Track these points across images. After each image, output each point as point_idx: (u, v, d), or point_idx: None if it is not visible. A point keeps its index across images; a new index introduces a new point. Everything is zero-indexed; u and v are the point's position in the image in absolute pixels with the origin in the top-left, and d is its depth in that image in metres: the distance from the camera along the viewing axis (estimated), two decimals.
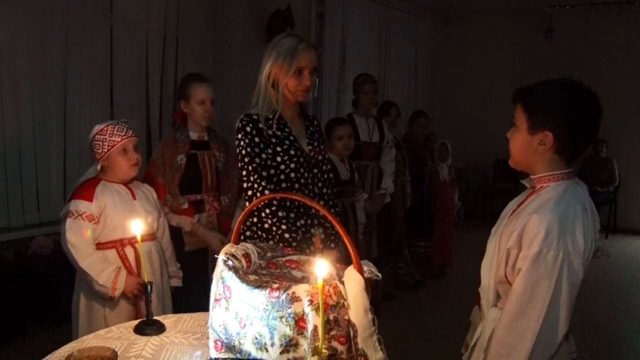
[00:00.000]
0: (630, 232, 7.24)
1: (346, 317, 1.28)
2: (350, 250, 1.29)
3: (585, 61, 7.27)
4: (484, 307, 1.60)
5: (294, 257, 1.58)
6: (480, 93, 7.97)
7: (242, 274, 1.40)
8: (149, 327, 1.62)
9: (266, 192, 1.95)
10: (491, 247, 1.59)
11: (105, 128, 2.24)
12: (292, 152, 2.03)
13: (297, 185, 2.03)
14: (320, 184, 2.15)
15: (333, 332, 1.28)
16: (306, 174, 2.07)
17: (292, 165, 2.02)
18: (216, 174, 2.91)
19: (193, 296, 2.06)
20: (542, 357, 1.42)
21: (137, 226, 1.70)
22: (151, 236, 2.36)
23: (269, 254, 1.57)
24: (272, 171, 2.01)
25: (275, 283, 1.34)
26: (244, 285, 1.35)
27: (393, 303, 4.46)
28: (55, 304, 2.38)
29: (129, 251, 2.26)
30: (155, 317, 1.70)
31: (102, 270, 2.16)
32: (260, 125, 2.01)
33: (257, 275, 1.46)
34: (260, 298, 1.32)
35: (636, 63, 7.12)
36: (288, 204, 2.01)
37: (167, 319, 1.72)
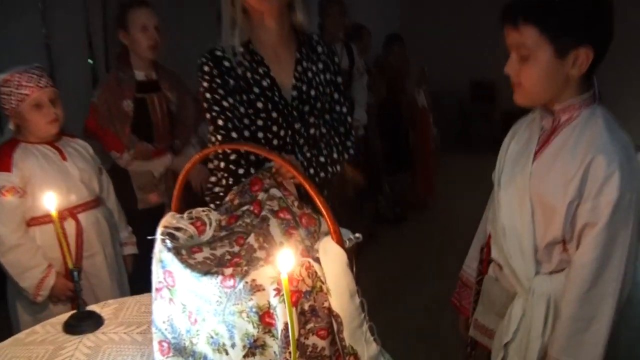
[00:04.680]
0: None
1: (326, 304, 0.97)
2: (326, 217, 0.97)
3: None
4: (519, 278, 1.26)
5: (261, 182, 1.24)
6: (452, 12, 7.49)
7: (186, 255, 1.07)
8: (81, 322, 1.30)
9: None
10: (514, 199, 1.26)
11: (11, 78, 1.81)
12: (259, 104, 1.53)
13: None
14: (306, 148, 1.61)
15: (310, 325, 0.98)
16: (282, 132, 1.57)
17: (260, 122, 1.55)
18: (169, 119, 2.54)
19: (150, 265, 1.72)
20: (617, 319, 1.17)
21: (51, 200, 1.35)
22: (95, 202, 2.00)
23: (236, 202, 1.24)
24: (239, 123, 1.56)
25: (228, 268, 1.02)
26: (189, 271, 1.02)
27: (374, 241, 4.21)
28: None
29: (70, 225, 1.90)
30: (91, 307, 1.38)
31: (26, 270, 1.81)
32: (227, 64, 1.53)
33: (214, 242, 1.13)
34: (210, 288, 1.00)
35: None
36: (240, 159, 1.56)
37: (106, 308, 1.39)
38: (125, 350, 1.20)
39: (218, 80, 1.52)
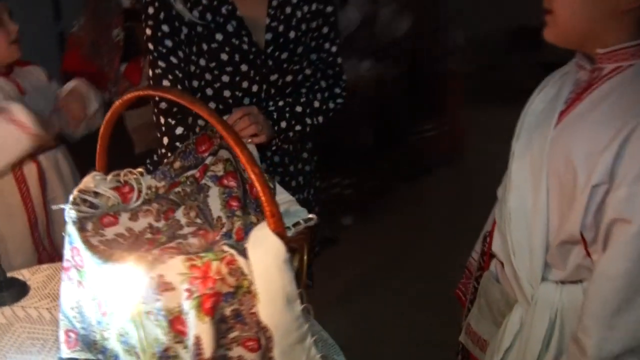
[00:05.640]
0: None
1: (254, 309, 0.75)
2: (260, 192, 0.72)
3: None
4: (520, 281, 0.98)
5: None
6: None
7: (91, 231, 0.85)
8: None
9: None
10: (527, 175, 0.97)
11: None
12: (224, 56, 1.25)
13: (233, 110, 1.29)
14: (278, 96, 1.33)
15: (234, 334, 0.75)
16: (255, 87, 1.29)
17: (226, 78, 1.27)
18: None
19: None
20: None
21: None
22: (55, 141, 1.78)
23: (177, 164, 1.01)
24: (196, 83, 1.28)
25: (131, 255, 0.79)
26: (90, 254, 0.81)
27: (389, 195, 3.93)
28: None
29: (29, 169, 1.67)
30: (21, 272, 1.19)
31: None
32: (179, 5, 1.23)
33: (147, 206, 0.92)
34: (113, 278, 0.79)
35: None
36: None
37: (37, 274, 1.20)
38: (38, 331, 1.01)
39: (165, 28, 1.22)
